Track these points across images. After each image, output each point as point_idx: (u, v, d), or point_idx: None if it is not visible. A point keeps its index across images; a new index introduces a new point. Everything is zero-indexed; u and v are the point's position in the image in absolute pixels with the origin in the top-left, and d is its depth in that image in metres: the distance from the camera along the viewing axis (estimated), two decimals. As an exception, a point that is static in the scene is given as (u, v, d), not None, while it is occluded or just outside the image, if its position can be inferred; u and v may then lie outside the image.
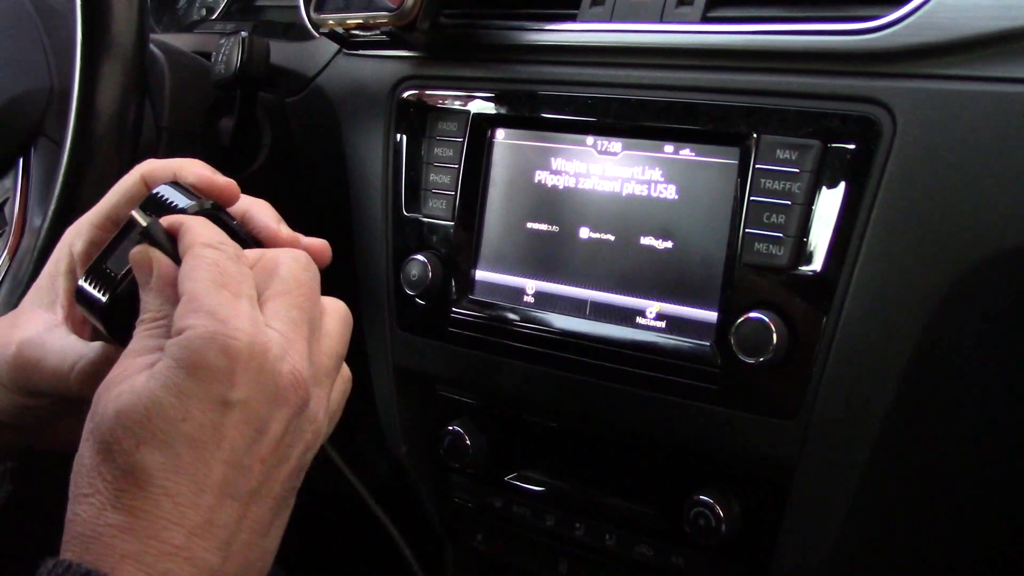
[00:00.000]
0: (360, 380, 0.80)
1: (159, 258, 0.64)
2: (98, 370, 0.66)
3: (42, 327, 0.72)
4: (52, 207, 0.88)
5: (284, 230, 0.73)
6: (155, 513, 0.57)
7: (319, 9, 1.03)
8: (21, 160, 1.03)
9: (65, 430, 0.75)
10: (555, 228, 0.95)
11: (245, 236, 0.69)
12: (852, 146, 0.79)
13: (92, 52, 0.88)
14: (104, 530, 0.57)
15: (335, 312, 0.69)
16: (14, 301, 0.91)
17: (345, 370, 0.68)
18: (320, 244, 0.73)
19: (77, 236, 0.73)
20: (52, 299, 0.74)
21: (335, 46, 1.12)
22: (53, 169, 0.90)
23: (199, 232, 0.65)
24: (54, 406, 0.73)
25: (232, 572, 0.59)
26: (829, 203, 0.80)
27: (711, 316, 0.86)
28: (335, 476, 1.07)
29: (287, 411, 0.61)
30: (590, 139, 0.93)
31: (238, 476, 0.59)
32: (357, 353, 1.13)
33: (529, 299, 0.96)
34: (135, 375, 0.60)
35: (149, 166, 0.72)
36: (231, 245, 0.65)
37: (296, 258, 0.67)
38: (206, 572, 0.58)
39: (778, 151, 0.82)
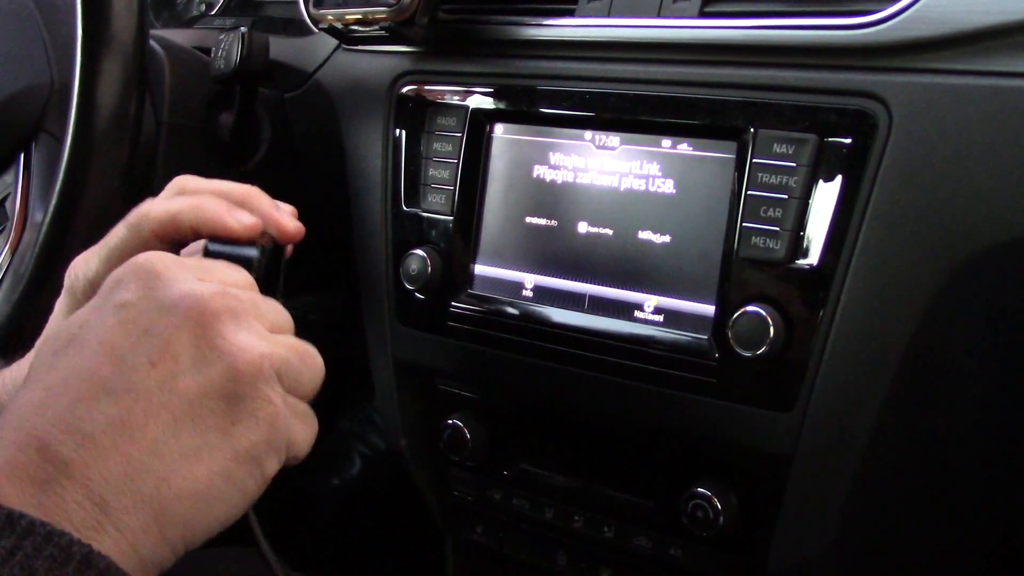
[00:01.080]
0: (360, 374, 0.81)
1: None
2: None
3: None
4: (53, 202, 0.88)
5: (285, 217, 0.73)
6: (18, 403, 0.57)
7: (318, 4, 1.04)
8: (22, 155, 1.03)
9: None
10: (553, 222, 0.95)
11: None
12: (848, 140, 0.80)
13: (92, 48, 0.88)
14: None
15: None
16: (15, 297, 0.91)
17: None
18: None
19: (84, 268, 0.73)
20: None
21: (334, 41, 1.12)
22: (54, 164, 0.90)
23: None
24: None
25: (94, 475, 0.55)
26: (825, 197, 0.80)
27: (709, 310, 0.86)
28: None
29: (179, 318, 0.59)
30: (588, 134, 0.93)
31: (119, 374, 0.57)
32: (357, 347, 1.14)
33: (528, 293, 0.97)
34: None
35: (148, 208, 0.71)
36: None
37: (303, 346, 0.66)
38: (56, 462, 0.54)
39: (775, 145, 0.82)
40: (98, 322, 0.59)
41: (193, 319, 0.59)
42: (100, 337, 0.58)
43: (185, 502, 0.57)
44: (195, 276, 0.62)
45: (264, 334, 0.63)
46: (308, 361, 0.65)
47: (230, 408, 0.59)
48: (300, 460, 0.63)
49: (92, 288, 0.69)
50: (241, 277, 0.66)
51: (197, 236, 0.70)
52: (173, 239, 0.70)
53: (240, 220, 0.69)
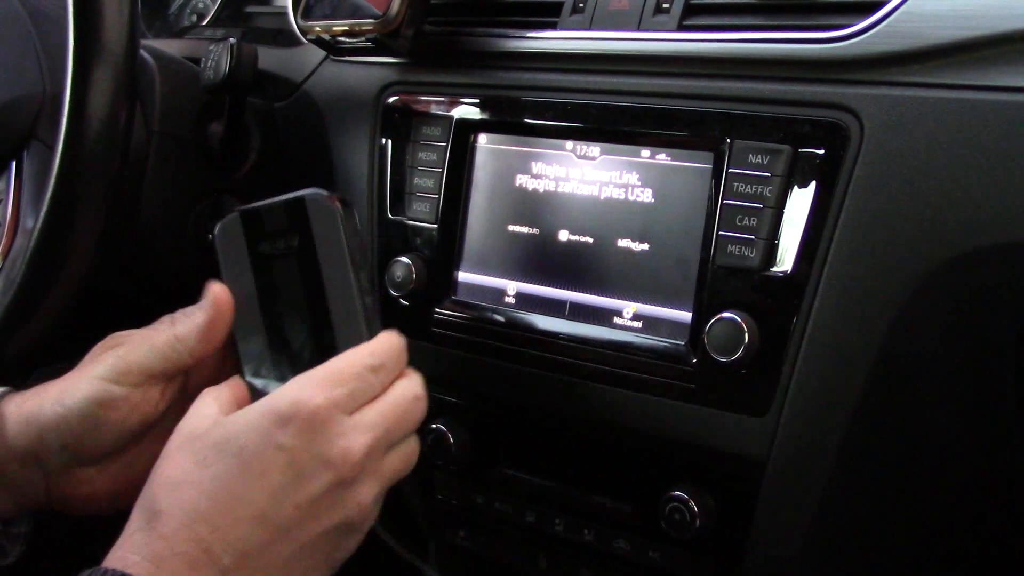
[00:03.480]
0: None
1: None
2: None
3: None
4: (44, 209, 0.89)
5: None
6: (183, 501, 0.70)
7: (306, 16, 1.06)
8: (14, 163, 1.04)
9: (85, 479, 0.82)
10: (535, 231, 0.97)
11: None
12: (821, 151, 0.82)
13: (84, 57, 0.89)
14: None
15: (413, 445, 0.82)
16: (6, 302, 0.92)
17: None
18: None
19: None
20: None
21: (322, 52, 1.14)
22: (45, 172, 0.91)
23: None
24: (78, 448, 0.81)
25: None
26: (799, 206, 0.82)
27: (686, 316, 0.88)
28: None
29: (331, 474, 0.72)
30: (569, 144, 0.95)
31: (272, 508, 0.70)
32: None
33: (510, 300, 0.98)
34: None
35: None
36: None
37: (409, 387, 0.80)
38: (218, 567, 0.68)
39: (750, 156, 0.84)
40: (258, 453, 0.71)
41: (340, 477, 0.73)
42: (260, 470, 0.71)
43: None
44: (353, 426, 0.74)
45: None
46: (407, 422, 0.80)
47: (340, 538, 0.74)
48: None
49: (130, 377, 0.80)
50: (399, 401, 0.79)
51: None
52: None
53: None
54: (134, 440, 0.82)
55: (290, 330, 0.82)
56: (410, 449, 0.81)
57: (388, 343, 0.80)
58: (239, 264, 0.83)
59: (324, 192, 0.84)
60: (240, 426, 0.73)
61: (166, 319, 0.82)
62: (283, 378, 0.79)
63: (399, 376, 0.80)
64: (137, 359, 0.80)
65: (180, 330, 0.81)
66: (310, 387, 0.74)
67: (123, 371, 0.80)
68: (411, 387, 0.81)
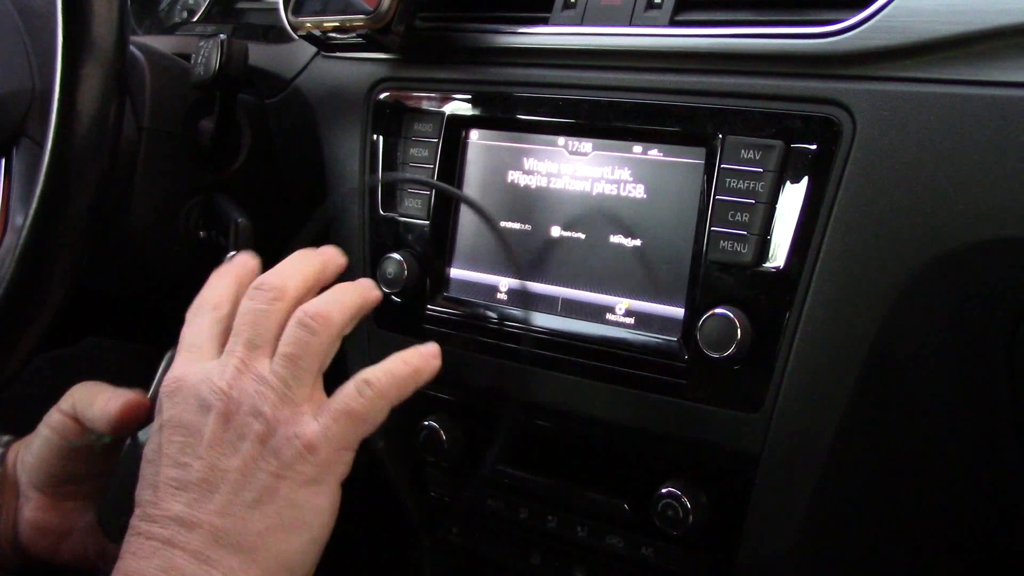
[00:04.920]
0: (338, 376, 0.82)
1: None
2: None
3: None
4: (34, 206, 0.89)
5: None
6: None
7: (297, 12, 1.05)
8: (3, 160, 1.04)
9: (78, 539, 0.93)
10: (527, 227, 0.97)
11: None
12: (813, 146, 0.82)
13: (73, 54, 0.89)
14: None
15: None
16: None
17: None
18: None
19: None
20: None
21: (313, 48, 1.13)
22: (35, 169, 0.90)
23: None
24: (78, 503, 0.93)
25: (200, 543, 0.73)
26: (791, 202, 0.82)
27: (678, 312, 0.88)
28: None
29: (213, 415, 0.76)
30: (561, 140, 0.95)
31: (180, 472, 0.74)
32: (336, 351, 1.14)
33: (502, 296, 0.98)
34: None
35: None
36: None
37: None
38: (163, 542, 0.72)
39: (742, 151, 0.84)
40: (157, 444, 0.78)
41: (222, 409, 0.77)
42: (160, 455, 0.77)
43: (268, 538, 0.74)
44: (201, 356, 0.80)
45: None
46: (319, 322, 0.80)
47: (264, 451, 0.75)
48: (375, 427, 0.80)
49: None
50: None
51: None
52: None
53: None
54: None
55: None
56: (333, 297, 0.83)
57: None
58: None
59: None
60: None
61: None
62: None
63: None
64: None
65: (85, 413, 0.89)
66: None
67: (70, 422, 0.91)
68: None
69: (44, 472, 0.91)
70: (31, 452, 0.92)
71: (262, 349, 0.78)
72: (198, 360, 0.79)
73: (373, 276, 1.04)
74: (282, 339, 0.79)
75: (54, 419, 0.90)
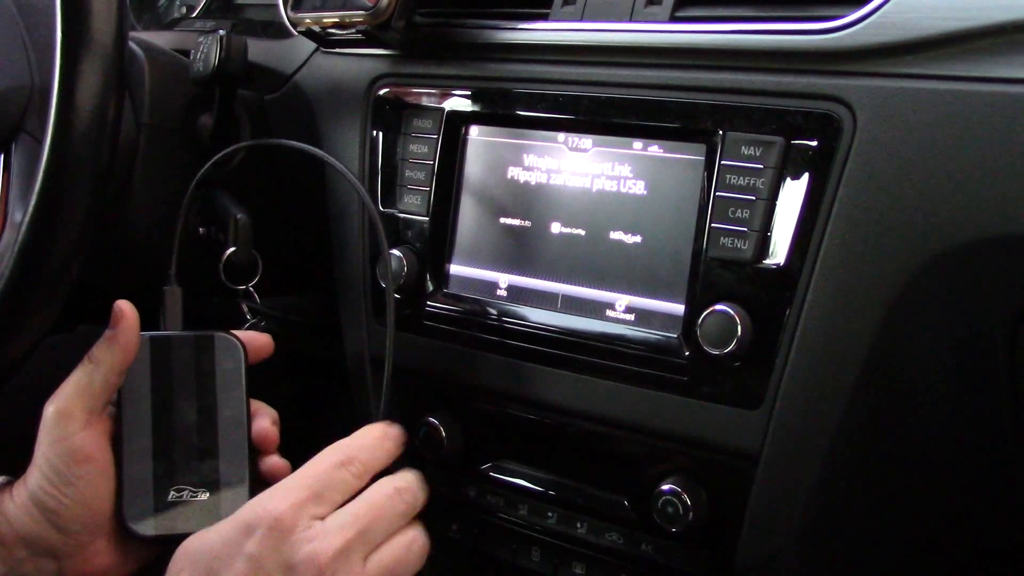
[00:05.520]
0: (338, 373, 0.83)
1: None
2: None
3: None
4: (33, 202, 0.89)
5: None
6: None
7: (296, 8, 1.05)
8: (2, 156, 1.04)
9: (95, 554, 0.87)
10: (527, 223, 0.96)
11: None
12: (814, 143, 0.82)
13: (72, 50, 0.89)
14: None
15: (405, 539, 0.83)
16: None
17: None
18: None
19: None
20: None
21: (312, 44, 1.13)
22: (34, 165, 0.90)
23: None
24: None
25: None
26: (792, 198, 0.82)
27: (678, 309, 0.88)
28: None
29: None
30: (561, 136, 0.95)
31: None
32: (336, 347, 1.15)
33: (502, 292, 0.98)
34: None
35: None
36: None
37: (389, 482, 0.83)
38: None
39: (743, 148, 0.84)
40: (227, 563, 0.74)
41: None
42: None
43: None
44: (323, 529, 0.76)
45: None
46: (386, 518, 0.81)
47: None
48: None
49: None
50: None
51: None
52: None
53: None
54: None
55: (177, 453, 0.90)
56: (407, 540, 0.82)
57: (361, 435, 0.84)
58: (140, 386, 0.91)
59: (232, 334, 0.95)
60: (212, 538, 0.76)
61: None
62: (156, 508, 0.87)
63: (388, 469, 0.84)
64: (65, 404, 0.85)
65: (93, 352, 0.87)
66: (276, 493, 0.78)
67: (65, 419, 0.85)
68: (391, 482, 0.83)
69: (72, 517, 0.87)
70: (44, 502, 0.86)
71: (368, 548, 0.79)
72: (305, 507, 0.78)
73: (372, 273, 1.04)
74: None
75: (50, 452, 0.86)
